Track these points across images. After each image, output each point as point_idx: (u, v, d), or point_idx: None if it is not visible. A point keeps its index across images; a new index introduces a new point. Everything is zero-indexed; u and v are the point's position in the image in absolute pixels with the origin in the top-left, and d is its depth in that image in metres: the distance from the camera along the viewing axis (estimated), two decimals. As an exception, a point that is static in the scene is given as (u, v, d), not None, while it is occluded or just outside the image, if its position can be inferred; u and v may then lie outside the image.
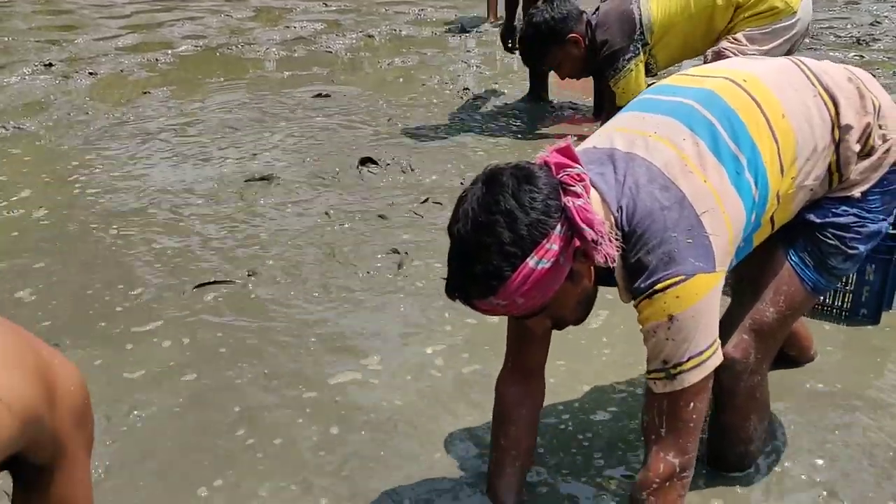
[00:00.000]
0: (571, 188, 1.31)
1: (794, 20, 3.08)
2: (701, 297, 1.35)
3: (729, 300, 1.66)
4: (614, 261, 1.34)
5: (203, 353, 2.23)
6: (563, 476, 1.76)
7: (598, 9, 3.38)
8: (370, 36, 6.07)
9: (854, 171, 1.51)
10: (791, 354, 2.07)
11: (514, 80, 4.83)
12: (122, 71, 5.22)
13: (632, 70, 3.26)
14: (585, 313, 1.49)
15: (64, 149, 3.85)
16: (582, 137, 1.82)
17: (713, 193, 1.39)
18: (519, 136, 3.93)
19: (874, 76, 1.62)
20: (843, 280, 2.29)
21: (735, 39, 3.10)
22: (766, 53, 3.03)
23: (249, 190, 3.31)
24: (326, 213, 3.07)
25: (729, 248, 1.41)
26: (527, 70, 4.34)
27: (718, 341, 1.41)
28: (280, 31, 6.30)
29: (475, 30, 6.20)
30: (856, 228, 1.53)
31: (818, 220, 1.54)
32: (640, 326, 1.41)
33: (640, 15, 3.23)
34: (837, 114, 1.49)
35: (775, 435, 1.86)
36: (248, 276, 2.62)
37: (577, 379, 2.07)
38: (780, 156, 1.45)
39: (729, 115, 1.44)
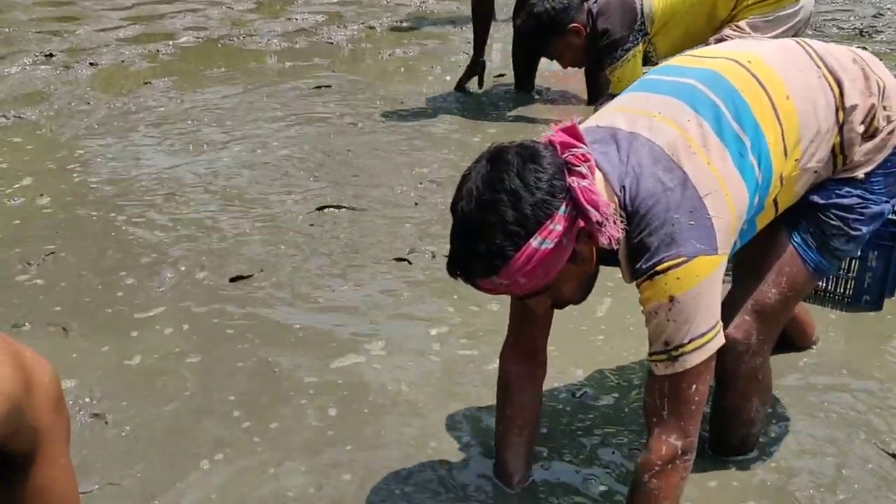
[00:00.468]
0: (577, 168, 1.31)
1: (797, 7, 3.07)
2: (702, 278, 1.34)
3: (730, 285, 1.66)
4: (618, 243, 1.34)
5: (205, 338, 2.23)
6: (563, 460, 1.76)
7: None
8: (371, 27, 6.06)
9: (858, 152, 1.51)
10: (792, 340, 2.07)
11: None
12: (123, 62, 5.20)
13: (629, 60, 3.24)
14: (586, 293, 1.49)
15: (65, 138, 3.84)
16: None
17: (716, 175, 1.39)
18: (518, 123, 3.94)
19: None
20: (846, 267, 2.29)
21: (737, 27, 3.09)
22: None
23: (251, 178, 3.31)
24: (326, 199, 3.07)
25: (731, 230, 1.41)
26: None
27: (720, 324, 1.41)
28: (281, 22, 6.28)
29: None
30: (859, 210, 1.53)
31: (821, 202, 1.54)
32: (642, 308, 1.40)
33: (642, 4, 3.22)
34: (842, 95, 1.48)
35: (776, 419, 1.86)
36: (251, 262, 2.62)
37: (576, 364, 2.07)
38: (783, 137, 1.45)
39: (733, 97, 1.44)
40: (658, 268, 1.35)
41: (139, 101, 4.38)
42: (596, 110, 1.69)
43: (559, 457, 1.77)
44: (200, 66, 5.11)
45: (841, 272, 2.29)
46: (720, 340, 1.40)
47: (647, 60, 3.33)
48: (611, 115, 1.47)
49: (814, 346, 2.12)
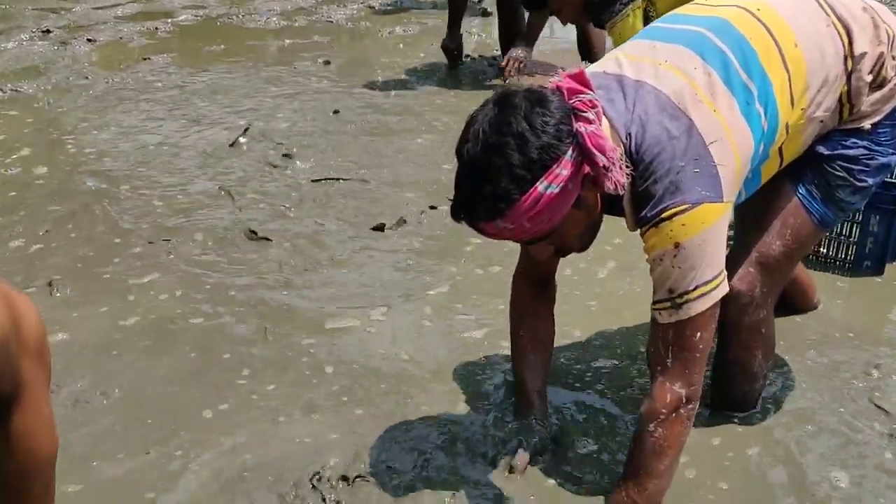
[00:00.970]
0: (583, 114, 1.30)
1: None
2: (707, 225, 1.34)
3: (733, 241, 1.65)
4: (624, 188, 1.33)
5: (201, 302, 2.23)
6: (567, 411, 1.76)
7: None
8: (371, 6, 6.02)
9: (865, 102, 1.50)
10: (794, 302, 2.07)
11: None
12: (121, 38, 5.16)
13: (628, 15, 3.20)
14: (590, 241, 1.48)
15: (62, 111, 3.82)
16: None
17: (722, 123, 1.38)
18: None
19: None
20: (847, 232, 2.28)
21: None
22: None
23: (248, 151, 3.30)
24: (327, 172, 3.06)
25: (736, 178, 1.40)
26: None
27: (725, 272, 1.40)
28: (280, 1, 6.24)
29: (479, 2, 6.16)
30: (865, 161, 1.52)
31: (827, 152, 1.53)
32: (647, 256, 1.40)
33: None
34: (851, 43, 1.47)
35: (778, 376, 1.86)
36: (250, 231, 2.61)
37: (575, 324, 2.07)
38: (790, 86, 1.44)
39: (741, 44, 1.43)
40: (663, 215, 1.34)
41: (138, 77, 4.35)
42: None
43: (562, 410, 1.76)
44: (199, 44, 5.07)
45: (842, 237, 2.29)
46: (725, 288, 1.39)
47: (647, 19, 3.29)
48: (617, 61, 1.46)
49: (815, 309, 2.11)
